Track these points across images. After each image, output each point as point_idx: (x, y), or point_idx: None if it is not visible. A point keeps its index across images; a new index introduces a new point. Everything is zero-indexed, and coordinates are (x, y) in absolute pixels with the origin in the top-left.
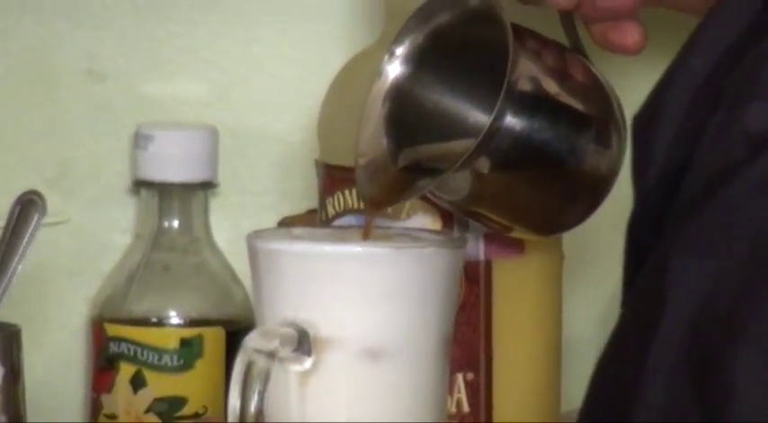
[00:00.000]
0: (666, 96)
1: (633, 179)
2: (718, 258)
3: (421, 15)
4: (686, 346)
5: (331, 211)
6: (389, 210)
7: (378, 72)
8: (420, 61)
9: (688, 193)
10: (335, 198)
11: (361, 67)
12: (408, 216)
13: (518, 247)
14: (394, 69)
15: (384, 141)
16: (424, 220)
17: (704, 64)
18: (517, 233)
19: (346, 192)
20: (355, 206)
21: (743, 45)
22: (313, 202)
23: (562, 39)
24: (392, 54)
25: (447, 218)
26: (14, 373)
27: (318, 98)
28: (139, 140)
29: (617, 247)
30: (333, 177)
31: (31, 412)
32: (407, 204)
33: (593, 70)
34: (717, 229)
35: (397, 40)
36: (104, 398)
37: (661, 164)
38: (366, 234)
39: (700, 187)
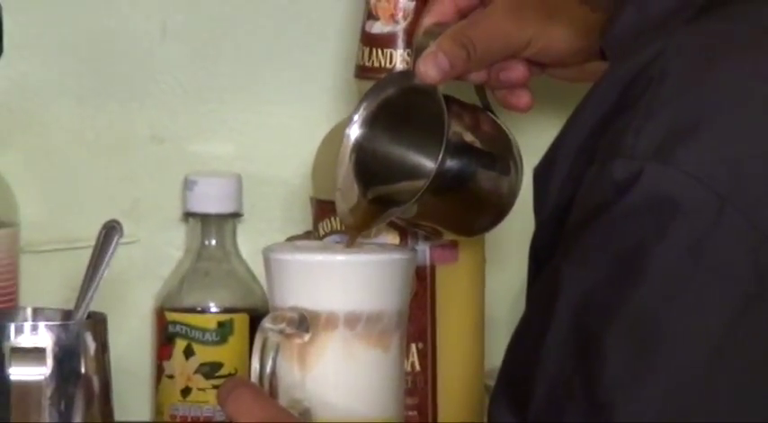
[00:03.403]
0: (558, 152)
1: (534, 211)
2: (594, 268)
3: (374, 91)
4: (572, 328)
5: (322, 232)
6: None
7: (343, 134)
8: (373, 124)
9: (573, 222)
10: (325, 223)
11: (342, 131)
12: (376, 235)
13: (453, 255)
14: (354, 131)
15: (355, 185)
16: (388, 237)
17: (584, 131)
18: (447, 236)
19: (332, 218)
20: (339, 228)
21: (610, 117)
22: (309, 226)
23: (477, 101)
24: (351, 120)
25: (404, 235)
26: (103, 347)
27: (312, 153)
28: (188, 184)
29: (524, 255)
30: (323, 208)
31: (115, 375)
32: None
33: (499, 123)
34: (592, 247)
35: (355, 110)
36: (165, 363)
37: (554, 201)
38: (349, 246)
39: (581, 218)
